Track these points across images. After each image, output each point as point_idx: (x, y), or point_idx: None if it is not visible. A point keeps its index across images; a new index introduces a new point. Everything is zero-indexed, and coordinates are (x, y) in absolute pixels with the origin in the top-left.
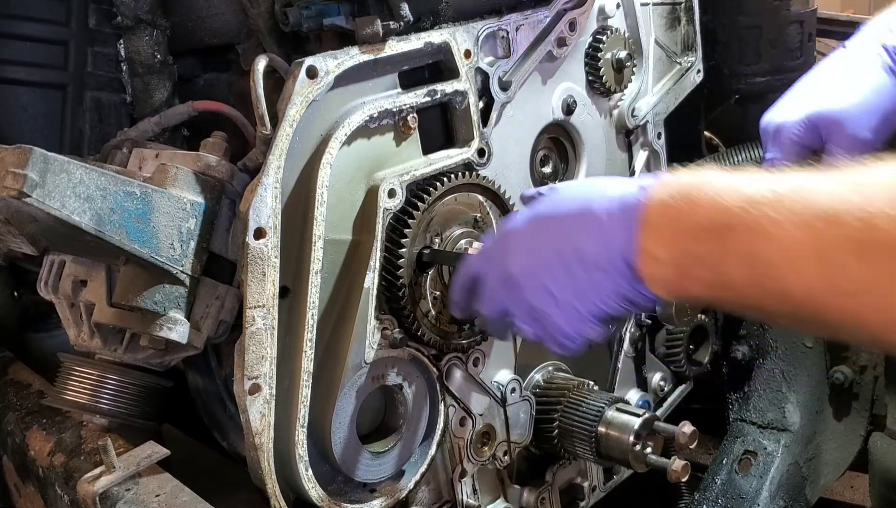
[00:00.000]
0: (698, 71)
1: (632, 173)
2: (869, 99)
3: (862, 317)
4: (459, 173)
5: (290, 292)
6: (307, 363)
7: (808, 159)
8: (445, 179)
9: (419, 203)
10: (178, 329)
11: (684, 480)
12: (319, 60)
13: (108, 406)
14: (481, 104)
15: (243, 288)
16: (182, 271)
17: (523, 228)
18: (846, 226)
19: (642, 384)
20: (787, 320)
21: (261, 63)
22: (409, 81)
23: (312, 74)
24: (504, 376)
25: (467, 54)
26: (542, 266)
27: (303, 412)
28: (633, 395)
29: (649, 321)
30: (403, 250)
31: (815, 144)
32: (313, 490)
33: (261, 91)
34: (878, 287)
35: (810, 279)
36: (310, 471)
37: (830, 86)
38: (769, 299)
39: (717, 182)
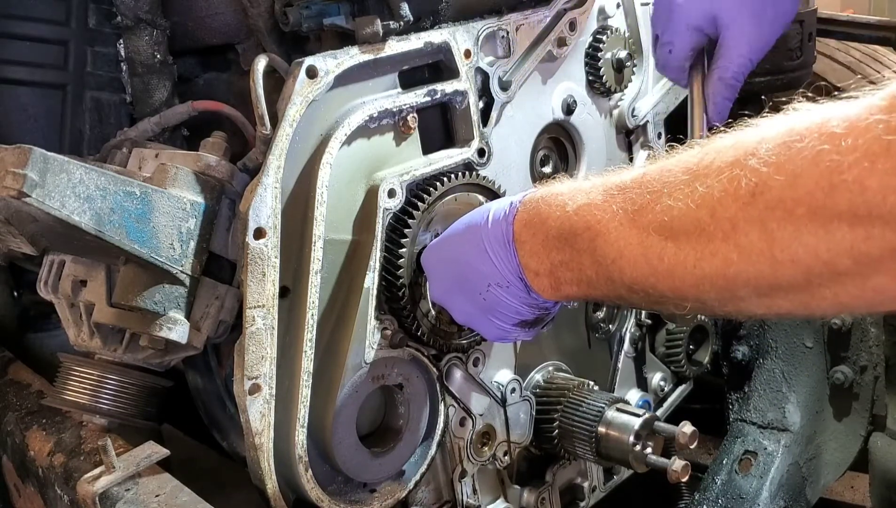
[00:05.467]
0: None
1: None
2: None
3: (681, 290)
4: (459, 173)
5: (290, 292)
6: (307, 363)
7: (702, 44)
8: (445, 179)
9: (419, 203)
10: (177, 329)
11: (684, 480)
12: (319, 60)
13: (108, 406)
14: (481, 104)
15: (243, 288)
16: (182, 271)
17: (431, 255)
18: (654, 213)
19: (642, 384)
20: (645, 305)
21: (261, 63)
22: (409, 80)
23: (312, 73)
24: (504, 376)
25: (467, 54)
26: (452, 291)
27: (303, 412)
28: (634, 395)
29: (649, 321)
30: (403, 249)
31: (711, 31)
32: (313, 490)
33: (261, 91)
34: (685, 261)
35: (639, 267)
36: (310, 471)
37: None
38: (622, 290)
39: (564, 192)
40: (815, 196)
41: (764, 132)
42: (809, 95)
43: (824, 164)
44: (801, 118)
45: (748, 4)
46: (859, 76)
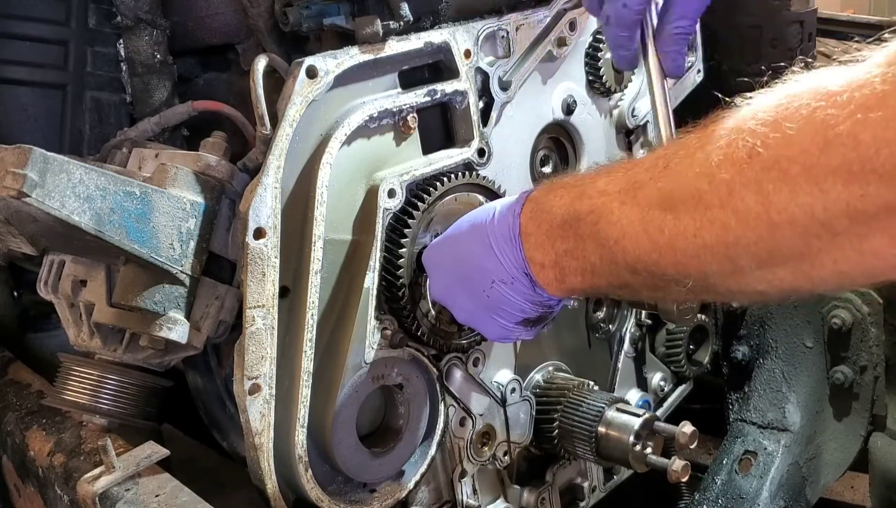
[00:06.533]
0: (698, 71)
1: None
2: None
3: (683, 264)
4: (459, 173)
5: (290, 292)
6: (307, 363)
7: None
8: (445, 179)
9: (419, 203)
10: (177, 329)
11: (684, 480)
12: (319, 60)
13: (108, 406)
14: (481, 104)
15: (243, 288)
16: (182, 271)
17: (432, 254)
18: (655, 188)
19: (642, 384)
20: (648, 290)
21: (261, 63)
22: (409, 80)
23: (312, 73)
24: (504, 376)
25: (467, 54)
26: (454, 290)
27: (303, 412)
28: (634, 395)
29: (649, 321)
30: (403, 249)
31: None
32: (313, 490)
33: (261, 91)
34: (685, 231)
35: (641, 243)
36: (310, 471)
37: None
38: (626, 273)
39: (567, 181)
40: (810, 153)
41: (764, 99)
42: (808, 60)
43: (819, 119)
44: (799, 82)
45: None
46: None
